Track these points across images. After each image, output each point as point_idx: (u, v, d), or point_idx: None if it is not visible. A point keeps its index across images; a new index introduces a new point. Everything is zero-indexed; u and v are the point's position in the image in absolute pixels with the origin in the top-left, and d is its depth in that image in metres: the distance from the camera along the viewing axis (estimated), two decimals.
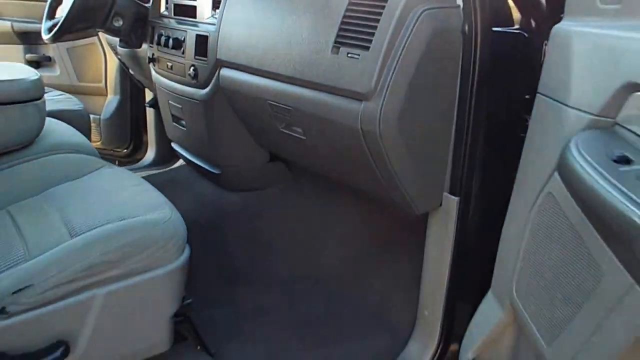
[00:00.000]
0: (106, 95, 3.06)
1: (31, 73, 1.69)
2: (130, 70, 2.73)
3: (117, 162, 3.00)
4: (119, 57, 2.64)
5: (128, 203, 1.36)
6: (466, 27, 1.26)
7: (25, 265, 1.16)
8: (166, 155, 2.85)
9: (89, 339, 1.19)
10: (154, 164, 2.93)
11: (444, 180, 1.41)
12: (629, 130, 0.87)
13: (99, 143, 3.03)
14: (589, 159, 0.84)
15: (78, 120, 2.06)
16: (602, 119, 0.91)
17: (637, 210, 0.70)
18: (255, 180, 2.04)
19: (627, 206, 0.72)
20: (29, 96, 1.61)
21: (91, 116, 2.93)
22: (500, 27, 1.28)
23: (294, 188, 2.05)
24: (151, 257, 1.24)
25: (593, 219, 0.82)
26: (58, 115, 2.00)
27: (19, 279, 1.12)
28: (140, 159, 3.05)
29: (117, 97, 3.02)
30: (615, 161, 0.82)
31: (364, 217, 1.95)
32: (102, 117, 3.01)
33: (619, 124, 0.89)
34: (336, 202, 1.99)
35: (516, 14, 1.31)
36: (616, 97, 0.87)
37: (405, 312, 1.65)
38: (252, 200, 2.04)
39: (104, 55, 3.00)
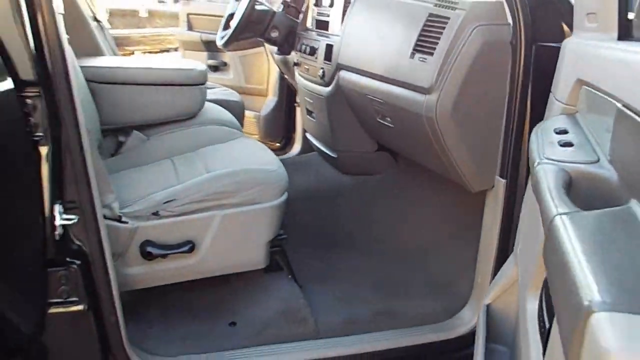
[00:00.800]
0: (266, 96, 3.64)
1: (200, 65, 2.30)
2: (285, 75, 3.29)
3: None
4: (277, 63, 3.21)
5: (250, 157, 1.89)
6: (514, 41, 1.58)
7: (174, 187, 1.73)
8: (308, 148, 3.34)
9: (209, 245, 1.72)
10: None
11: (496, 165, 1.73)
12: (582, 114, 1.17)
13: (257, 136, 3.61)
14: (540, 130, 1.16)
15: (234, 108, 2.64)
16: (569, 107, 1.21)
17: (538, 155, 1.02)
18: (365, 166, 2.46)
19: (537, 152, 1.04)
20: (196, 81, 2.21)
21: (252, 113, 3.56)
22: (543, 41, 1.58)
23: (397, 176, 2.43)
24: (257, 194, 1.75)
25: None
26: (220, 102, 2.59)
27: (169, 195, 1.69)
28: (289, 151, 3.58)
29: (275, 98, 3.55)
30: (556, 133, 1.13)
31: (447, 207, 2.28)
32: (261, 114, 3.56)
33: (578, 111, 1.19)
34: (428, 191, 2.34)
35: (556, 31, 1.60)
36: (573, 91, 1.18)
37: (466, 283, 1.96)
38: (359, 182, 2.46)
39: (268, 62, 3.59)
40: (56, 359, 1.42)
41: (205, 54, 3.77)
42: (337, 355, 1.68)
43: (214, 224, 1.71)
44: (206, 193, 1.70)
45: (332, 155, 2.50)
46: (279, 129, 3.61)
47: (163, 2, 5.29)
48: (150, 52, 6.37)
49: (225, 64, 3.75)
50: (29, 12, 1.23)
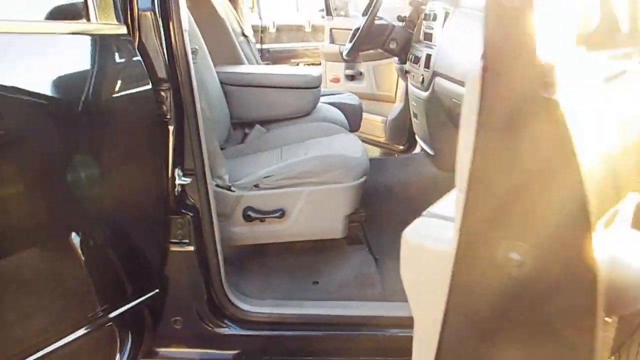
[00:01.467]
0: (394, 102, 3.96)
1: (314, 72, 2.72)
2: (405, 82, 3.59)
3: (396, 155, 3.87)
4: (397, 71, 3.53)
5: (340, 146, 2.27)
6: None
7: (275, 166, 2.16)
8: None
9: (297, 214, 2.12)
10: None
11: None
12: None
13: (383, 139, 3.93)
14: None
15: (349, 110, 3.02)
16: None
17: None
18: None
19: None
20: (310, 85, 2.65)
21: (380, 117, 3.89)
22: None
23: None
24: (340, 175, 2.13)
25: None
26: (337, 105, 2.99)
27: (268, 172, 2.14)
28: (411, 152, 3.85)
29: (401, 104, 3.81)
30: None
31: None
32: (388, 118, 3.85)
33: None
34: None
35: None
36: None
37: None
38: (451, 177, 2.70)
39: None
40: (173, 287, 1.89)
41: (343, 64, 4.17)
42: (397, 315, 1.97)
43: (302, 198, 2.11)
44: (297, 172, 2.11)
45: (431, 152, 2.77)
46: (403, 132, 3.87)
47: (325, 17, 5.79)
48: (313, 64, 6.95)
49: (361, 73, 4.10)
50: (163, 29, 1.71)
